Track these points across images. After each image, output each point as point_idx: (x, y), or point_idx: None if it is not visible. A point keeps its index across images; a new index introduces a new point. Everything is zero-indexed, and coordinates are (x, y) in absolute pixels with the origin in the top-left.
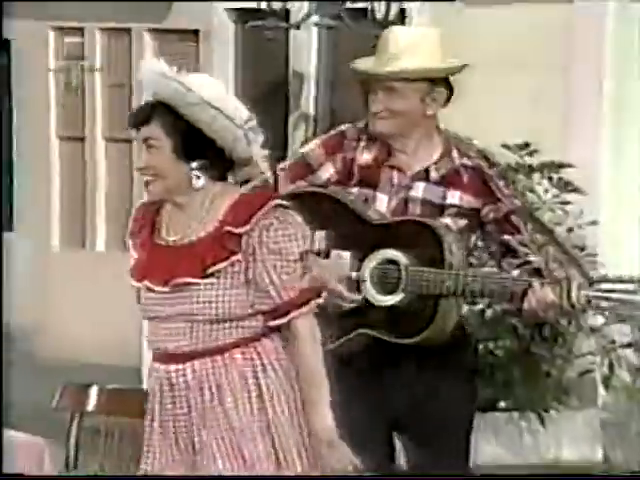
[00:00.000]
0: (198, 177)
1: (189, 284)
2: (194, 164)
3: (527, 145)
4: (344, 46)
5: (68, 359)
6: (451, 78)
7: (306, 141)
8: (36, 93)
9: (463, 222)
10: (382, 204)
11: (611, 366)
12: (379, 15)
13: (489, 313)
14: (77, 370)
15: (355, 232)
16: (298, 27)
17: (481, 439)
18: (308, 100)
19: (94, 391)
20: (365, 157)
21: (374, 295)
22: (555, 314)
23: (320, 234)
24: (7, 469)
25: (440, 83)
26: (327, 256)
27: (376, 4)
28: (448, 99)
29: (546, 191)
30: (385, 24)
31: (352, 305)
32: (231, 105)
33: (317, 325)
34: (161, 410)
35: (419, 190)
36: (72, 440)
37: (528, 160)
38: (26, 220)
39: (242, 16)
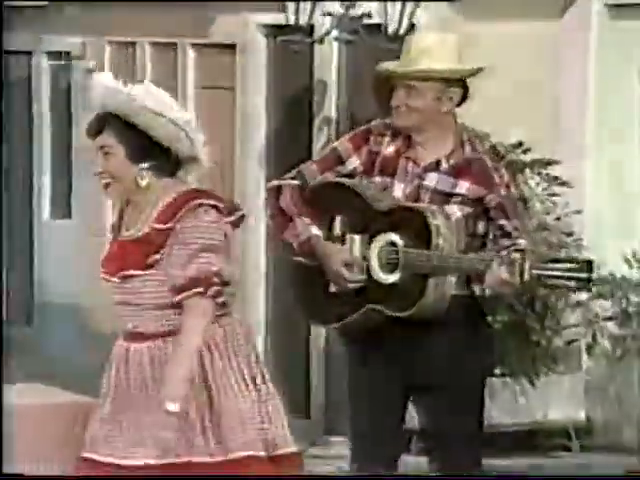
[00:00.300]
0: (142, 177)
1: (134, 275)
2: (144, 165)
3: (521, 144)
4: (361, 57)
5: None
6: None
7: (328, 141)
8: None
9: (468, 209)
10: (399, 191)
11: (594, 336)
12: (391, 30)
13: (488, 290)
14: None
15: (365, 218)
16: (321, 41)
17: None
18: (330, 105)
19: None
20: (388, 150)
21: (379, 274)
22: (510, 289)
23: (338, 219)
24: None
25: (455, 84)
26: (343, 238)
27: (389, 20)
28: (464, 99)
29: (537, 184)
30: (396, 38)
31: (356, 285)
32: (174, 109)
33: (209, 309)
34: (117, 383)
35: (431, 179)
36: None
37: (522, 157)
38: (82, 210)
39: (272, 31)
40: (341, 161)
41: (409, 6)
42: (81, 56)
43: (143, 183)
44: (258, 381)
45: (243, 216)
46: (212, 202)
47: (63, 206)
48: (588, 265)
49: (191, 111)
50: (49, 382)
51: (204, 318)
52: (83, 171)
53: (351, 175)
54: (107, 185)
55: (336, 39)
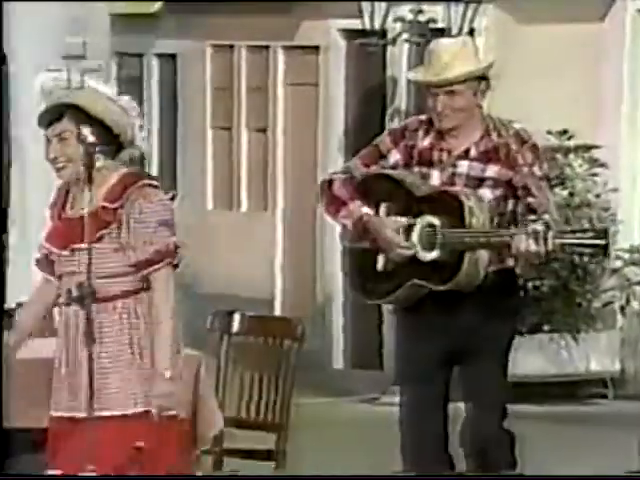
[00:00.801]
0: (97, 160)
1: (82, 249)
2: (97, 149)
3: (565, 131)
4: None
5: (219, 293)
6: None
7: None
8: (195, 95)
9: (499, 192)
10: (436, 179)
11: (627, 299)
12: (454, 33)
13: (521, 262)
14: (225, 301)
15: (406, 203)
16: (393, 43)
17: (530, 355)
18: (400, 98)
19: (237, 317)
20: (423, 143)
21: (420, 252)
22: (537, 258)
23: (383, 205)
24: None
25: (482, 78)
26: None
27: (453, 24)
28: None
29: (580, 166)
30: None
31: (405, 257)
32: (125, 100)
33: (172, 280)
34: (67, 345)
35: (463, 166)
36: (222, 354)
37: (566, 143)
38: (187, 188)
39: (351, 35)
40: (383, 156)
41: (469, 12)
42: (184, 58)
43: (98, 164)
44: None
45: (174, 196)
46: (154, 182)
47: (168, 185)
48: (604, 233)
49: (281, 104)
50: None
51: (171, 285)
52: (187, 154)
53: (393, 167)
54: (61, 168)
55: (406, 41)
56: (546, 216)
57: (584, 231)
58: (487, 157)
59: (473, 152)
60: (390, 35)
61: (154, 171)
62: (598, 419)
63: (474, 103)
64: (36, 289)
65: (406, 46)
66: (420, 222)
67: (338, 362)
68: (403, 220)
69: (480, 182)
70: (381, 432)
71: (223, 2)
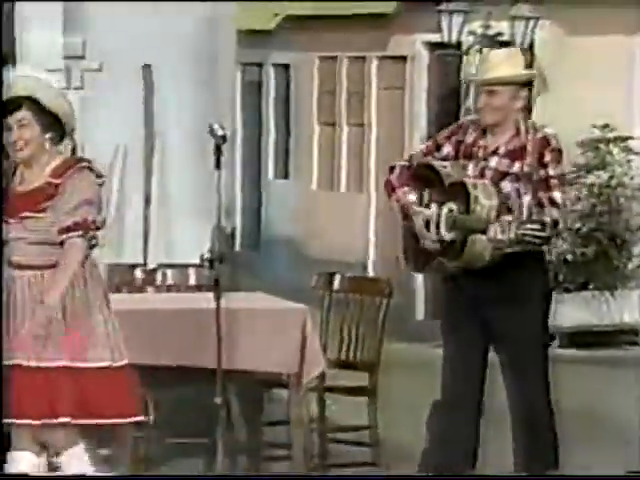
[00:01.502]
0: (48, 144)
1: (29, 217)
2: (48, 135)
3: (607, 125)
4: None
5: (323, 258)
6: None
7: None
8: (305, 97)
9: (517, 185)
10: (470, 171)
11: None
12: (517, 44)
13: (583, 230)
14: (327, 264)
15: (440, 190)
16: (467, 53)
17: (577, 309)
18: (471, 98)
19: (338, 277)
20: (469, 139)
21: (444, 233)
22: (501, 243)
23: (427, 191)
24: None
25: (524, 86)
26: (428, 205)
27: (516, 36)
28: (530, 98)
29: (618, 154)
30: (522, 50)
31: (429, 241)
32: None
33: (83, 248)
34: (13, 302)
35: (493, 161)
36: (325, 307)
37: (607, 135)
38: (297, 173)
39: (432, 47)
40: (438, 148)
41: (530, 26)
42: (296, 67)
43: (47, 147)
44: (106, 305)
45: (104, 182)
46: (91, 166)
47: (282, 169)
48: (552, 224)
49: (374, 104)
50: (268, 292)
51: (80, 254)
52: (298, 145)
53: (445, 158)
54: (19, 150)
55: (477, 51)
56: (553, 212)
57: (533, 222)
58: (514, 155)
59: (502, 150)
60: (464, 46)
61: (270, 158)
62: (630, 362)
63: (511, 105)
64: None
65: (477, 55)
66: (446, 207)
67: (419, 314)
68: (428, 212)
69: (504, 176)
70: None
71: (328, 19)
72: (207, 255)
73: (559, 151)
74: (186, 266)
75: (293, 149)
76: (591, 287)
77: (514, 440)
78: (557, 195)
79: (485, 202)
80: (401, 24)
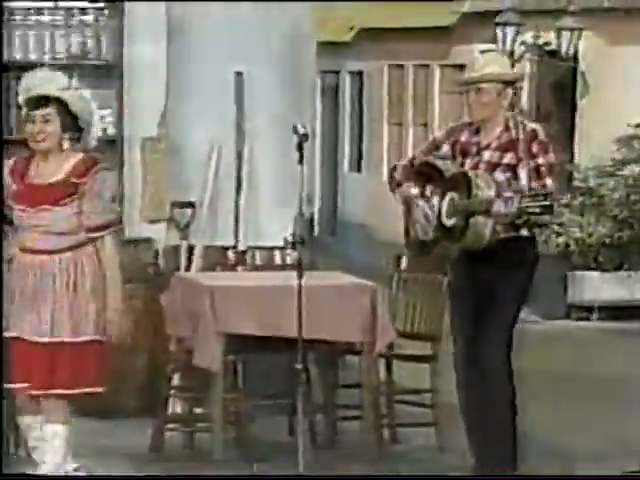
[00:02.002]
0: (65, 142)
1: (48, 209)
2: (67, 134)
3: None
4: (544, 70)
5: (391, 241)
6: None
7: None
8: (376, 100)
9: (509, 174)
10: (467, 166)
11: None
12: (563, 53)
13: (619, 217)
14: (395, 247)
15: (441, 183)
16: (519, 61)
17: (614, 287)
18: (523, 101)
19: (405, 258)
20: (463, 139)
21: (445, 220)
22: (504, 217)
23: (429, 186)
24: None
25: (508, 86)
26: (429, 198)
27: (562, 46)
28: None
29: None
30: (566, 59)
31: (426, 234)
32: (93, 106)
33: (115, 243)
34: (26, 283)
35: (485, 155)
36: (394, 285)
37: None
38: (369, 166)
39: None
40: (437, 147)
41: (574, 37)
42: (368, 74)
43: (65, 146)
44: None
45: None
46: (109, 166)
47: (356, 164)
48: (548, 195)
49: (437, 107)
50: (343, 272)
51: (114, 249)
52: (369, 142)
53: (444, 156)
54: (40, 141)
55: (528, 59)
56: (542, 200)
57: (535, 196)
58: (504, 148)
59: (494, 144)
60: (516, 55)
61: (345, 154)
62: None
63: (497, 103)
64: None
65: (528, 63)
66: (447, 197)
67: None
68: (427, 207)
69: (496, 166)
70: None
71: (397, 31)
72: (290, 238)
73: (546, 142)
74: (272, 248)
75: (366, 146)
76: (626, 267)
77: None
78: (548, 182)
79: (485, 187)
80: (461, 36)
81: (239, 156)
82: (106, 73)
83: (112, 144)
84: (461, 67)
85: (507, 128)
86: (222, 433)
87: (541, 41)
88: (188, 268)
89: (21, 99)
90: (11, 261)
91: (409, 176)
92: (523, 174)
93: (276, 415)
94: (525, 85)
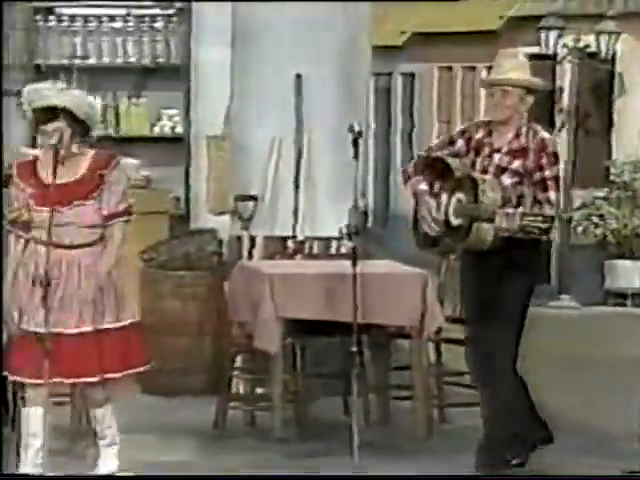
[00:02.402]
0: (77, 147)
1: (80, 205)
2: (77, 139)
3: None
4: (584, 72)
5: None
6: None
7: (563, 124)
8: (427, 100)
9: (515, 179)
10: (478, 166)
11: None
12: (602, 55)
13: None
14: None
15: (450, 181)
16: (561, 63)
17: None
18: (565, 100)
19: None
20: (477, 137)
21: (452, 219)
22: (506, 231)
23: (437, 183)
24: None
25: (530, 93)
26: (438, 194)
27: (602, 48)
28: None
29: None
30: (605, 61)
31: (430, 228)
32: (97, 105)
33: (124, 230)
34: (52, 277)
35: (496, 158)
36: (442, 272)
37: None
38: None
39: (532, 57)
40: (452, 143)
41: (612, 40)
42: (419, 75)
43: (75, 150)
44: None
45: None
46: (122, 158)
47: (407, 159)
48: (550, 219)
49: (482, 107)
50: (395, 261)
51: (122, 234)
52: (420, 139)
53: (458, 152)
54: (57, 153)
55: (569, 61)
56: (547, 211)
57: (536, 216)
58: (514, 154)
59: (505, 149)
60: (559, 57)
61: (397, 150)
62: None
63: (518, 107)
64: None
65: (569, 65)
66: (454, 197)
67: None
68: (433, 203)
69: (504, 171)
70: (548, 327)
71: (446, 35)
72: (345, 229)
73: (554, 154)
74: (328, 238)
75: (416, 142)
76: None
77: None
78: (552, 195)
79: (491, 195)
80: (506, 39)
81: (298, 153)
82: (174, 75)
83: (179, 142)
84: None
85: (518, 135)
86: (281, 412)
87: (581, 44)
88: (250, 257)
89: (26, 110)
90: (23, 261)
91: (421, 169)
92: (525, 183)
93: (332, 395)
94: (566, 86)
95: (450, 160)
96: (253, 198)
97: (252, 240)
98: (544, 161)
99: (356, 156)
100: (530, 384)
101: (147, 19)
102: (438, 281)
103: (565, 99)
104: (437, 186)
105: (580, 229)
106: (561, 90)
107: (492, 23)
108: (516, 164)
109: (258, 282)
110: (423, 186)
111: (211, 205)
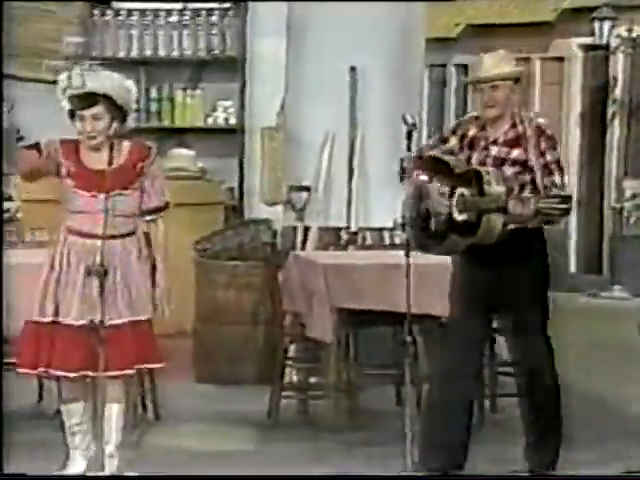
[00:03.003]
0: (113, 133)
1: (120, 193)
2: (115, 124)
3: None
4: (637, 62)
5: None
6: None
7: (614, 114)
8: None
9: (517, 169)
10: (474, 160)
11: None
12: None
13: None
14: None
15: (449, 178)
16: (614, 53)
17: None
18: (617, 90)
19: None
20: (471, 133)
21: (456, 215)
22: (522, 216)
23: (436, 179)
24: None
25: (518, 82)
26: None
27: None
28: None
29: None
30: None
31: (445, 213)
32: (134, 89)
33: (163, 226)
34: (69, 267)
35: (493, 150)
36: None
37: None
38: None
39: (585, 48)
40: (444, 140)
41: None
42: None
43: (111, 134)
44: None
45: None
46: (156, 150)
47: None
48: (568, 199)
49: (537, 96)
50: None
51: (163, 230)
52: None
53: (452, 150)
54: (93, 138)
55: (622, 52)
56: (554, 190)
57: (554, 197)
58: (512, 143)
59: (501, 139)
60: (612, 48)
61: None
62: None
63: (509, 99)
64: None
65: (621, 55)
66: (457, 192)
67: (572, 267)
68: (446, 189)
69: (504, 161)
70: (598, 316)
71: (500, 27)
72: (400, 220)
73: (552, 138)
74: (381, 229)
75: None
76: None
77: (522, 418)
78: (557, 178)
79: (496, 185)
80: (560, 30)
81: (352, 144)
82: (230, 67)
83: (234, 133)
84: (560, 59)
85: (514, 124)
86: (335, 401)
87: (634, 34)
88: (303, 247)
89: (63, 96)
90: (54, 248)
91: (419, 168)
92: (527, 171)
93: (385, 385)
94: (619, 76)
95: (447, 158)
96: (306, 189)
97: (306, 230)
98: (544, 146)
99: (409, 148)
100: (583, 374)
101: (203, 12)
102: None
103: (618, 90)
104: (436, 184)
105: (632, 220)
106: (614, 80)
107: (547, 14)
108: (515, 153)
109: (312, 272)
110: (424, 178)
111: (265, 196)
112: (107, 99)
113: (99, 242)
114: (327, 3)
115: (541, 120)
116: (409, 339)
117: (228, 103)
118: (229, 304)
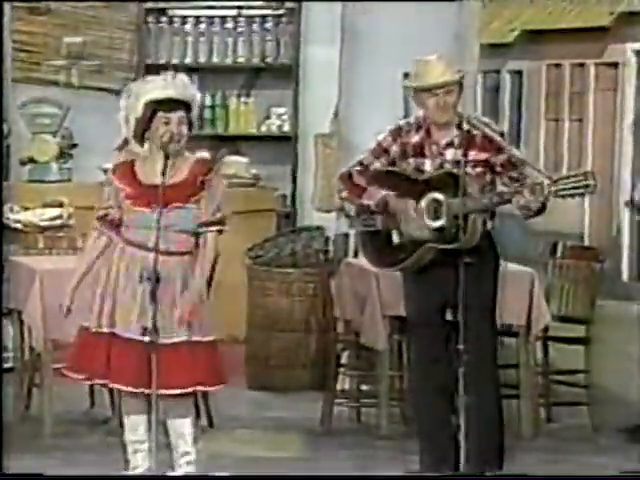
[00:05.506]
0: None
1: (181, 207)
2: (190, 132)
3: None
4: None
5: (546, 230)
6: None
7: None
8: (534, 97)
9: (478, 169)
10: (429, 166)
11: None
12: None
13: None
14: (550, 235)
15: (411, 188)
16: None
17: None
18: None
19: (560, 246)
20: (414, 139)
21: (429, 223)
22: (535, 206)
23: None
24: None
25: (461, 86)
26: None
27: None
28: None
29: None
30: None
31: (419, 229)
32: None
33: (216, 239)
34: (127, 279)
35: (449, 154)
36: (549, 270)
37: None
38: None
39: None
40: (385, 150)
41: None
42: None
43: (184, 149)
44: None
45: None
46: (220, 164)
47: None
48: (590, 174)
49: (592, 103)
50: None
51: (216, 243)
52: (527, 136)
53: (393, 159)
54: (174, 142)
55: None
56: (528, 180)
57: (572, 176)
58: (467, 144)
59: (456, 142)
60: None
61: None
62: None
63: (458, 102)
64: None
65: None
66: (426, 199)
67: (625, 276)
68: (412, 201)
69: (465, 164)
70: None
71: (555, 33)
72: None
73: (502, 133)
74: None
75: (524, 139)
76: None
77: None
78: (527, 169)
79: (472, 184)
80: (615, 35)
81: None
82: (283, 74)
83: (287, 140)
84: (615, 65)
85: (459, 126)
86: (387, 409)
87: None
88: (356, 255)
89: (131, 106)
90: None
91: (371, 182)
92: (487, 170)
93: None
94: None
95: (402, 169)
96: None
97: None
98: (497, 141)
99: (466, 154)
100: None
101: (257, 19)
102: (545, 279)
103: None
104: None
105: None
106: None
107: (602, 19)
108: (472, 154)
109: (364, 280)
110: (390, 192)
111: (318, 202)
112: (188, 107)
113: (153, 255)
114: (380, 9)
115: (485, 119)
116: (462, 347)
117: (282, 110)
118: (281, 311)
